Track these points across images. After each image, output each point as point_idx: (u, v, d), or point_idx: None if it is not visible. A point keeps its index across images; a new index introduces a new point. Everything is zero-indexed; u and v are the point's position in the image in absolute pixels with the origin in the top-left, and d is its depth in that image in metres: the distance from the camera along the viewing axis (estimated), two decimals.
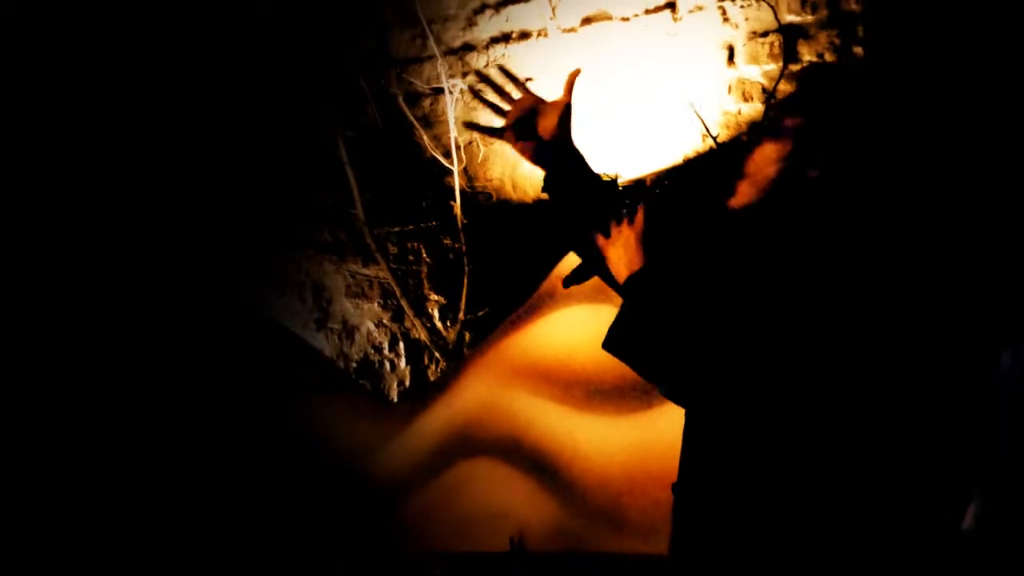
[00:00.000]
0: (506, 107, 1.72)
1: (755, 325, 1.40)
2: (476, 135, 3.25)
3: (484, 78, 1.75)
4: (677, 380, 1.46)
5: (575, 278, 1.69)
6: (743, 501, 1.42)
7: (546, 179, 1.74)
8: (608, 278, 1.65)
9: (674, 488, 1.55)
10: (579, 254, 1.71)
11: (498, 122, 1.78)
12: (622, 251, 1.56)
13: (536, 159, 1.72)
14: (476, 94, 1.80)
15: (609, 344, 1.52)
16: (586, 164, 1.72)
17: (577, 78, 1.72)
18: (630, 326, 1.50)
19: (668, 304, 1.47)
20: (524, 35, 3.20)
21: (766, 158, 1.53)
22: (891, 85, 1.76)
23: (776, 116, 1.61)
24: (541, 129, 1.68)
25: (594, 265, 1.66)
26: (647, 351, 1.48)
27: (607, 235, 1.59)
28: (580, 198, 2.83)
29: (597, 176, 1.76)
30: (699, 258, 1.62)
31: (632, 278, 1.51)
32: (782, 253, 1.48)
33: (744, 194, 1.55)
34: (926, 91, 2.68)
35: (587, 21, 3.07)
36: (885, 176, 1.59)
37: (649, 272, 1.51)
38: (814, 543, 1.38)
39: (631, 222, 1.56)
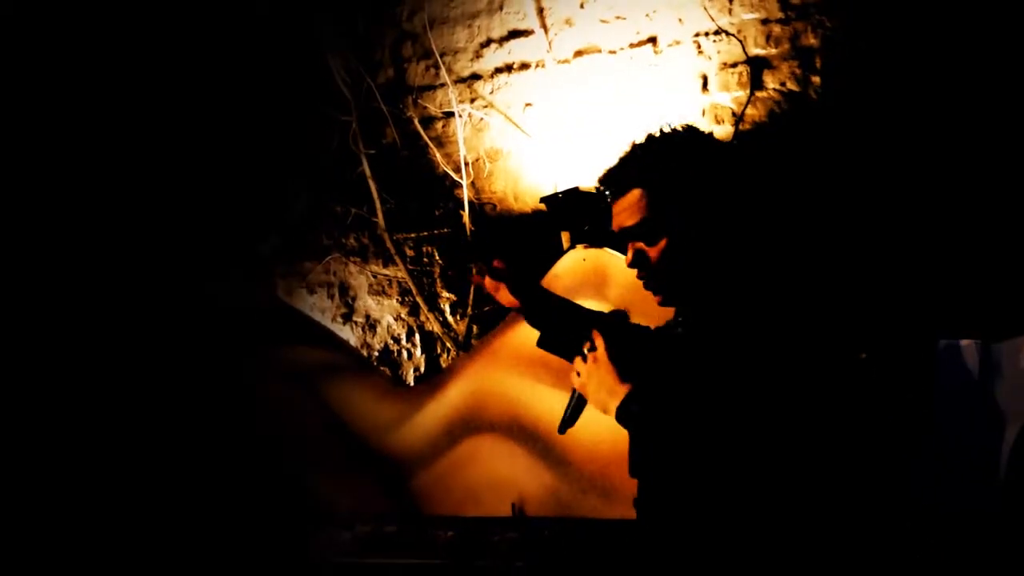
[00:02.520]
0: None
1: (729, 394, 1.36)
2: (483, 153, 3.34)
3: (484, 269, 1.82)
4: (694, 465, 1.40)
5: (569, 422, 1.60)
6: (703, 502, 1.40)
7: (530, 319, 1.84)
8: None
9: (636, 504, 1.54)
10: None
11: None
12: (600, 388, 1.48)
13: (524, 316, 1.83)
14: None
15: (633, 472, 1.49)
16: (554, 301, 1.82)
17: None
18: (640, 450, 1.47)
19: (660, 417, 1.42)
20: (524, 66, 3.28)
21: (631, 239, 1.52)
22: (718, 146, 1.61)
23: (609, 205, 1.55)
24: (505, 301, 1.81)
25: (580, 405, 1.59)
26: (663, 463, 1.44)
27: (579, 374, 1.52)
28: (573, 211, 2.84)
29: (564, 303, 1.83)
30: (661, 361, 1.57)
31: (620, 410, 1.44)
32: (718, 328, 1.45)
33: (668, 295, 1.53)
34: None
35: (579, 53, 3.16)
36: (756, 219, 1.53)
37: (632, 398, 1.44)
38: (770, 528, 1.36)
39: (596, 360, 1.49)
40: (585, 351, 1.51)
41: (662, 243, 1.48)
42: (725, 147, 2.10)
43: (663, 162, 1.49)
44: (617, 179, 1.52)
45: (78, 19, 3.68)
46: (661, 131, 1.53)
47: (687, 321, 1.54)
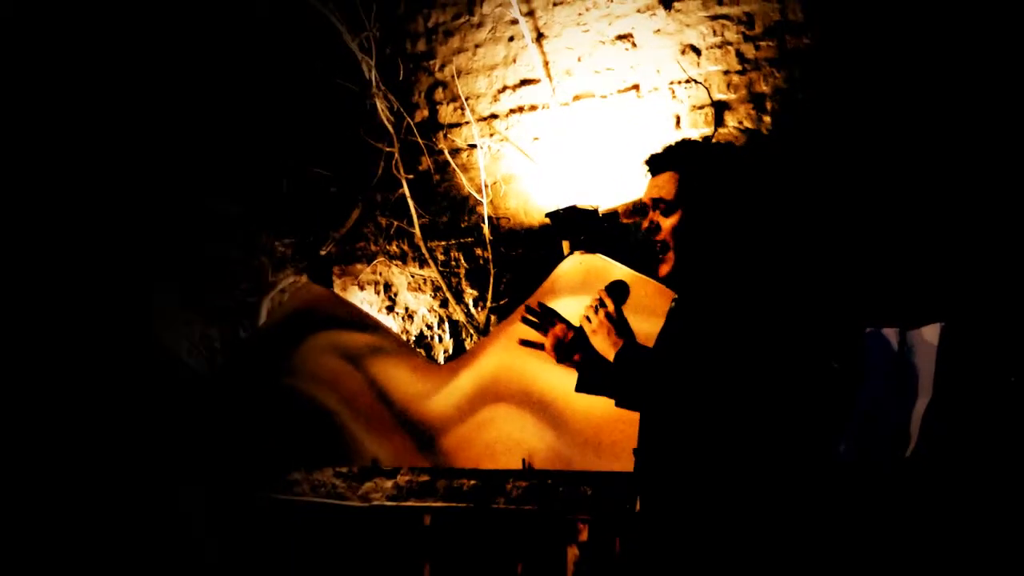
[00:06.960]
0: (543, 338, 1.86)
1: (701, 358, 1.54)
2: (499, 178, 3.52)
3: (531, 312, 1.84)
4: (661, 404, 1.61)
5: (584, 386, 1.80)
6: (687, 463, 1.58)
7: (580, 379, 1.85)
8: (602, 358, 1.77)
9: (635, 452, 1.73)
10: (581, 372, 1.81)
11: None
12: (605, 340, 1.66)
13: (574, 365, 1.84)
14: (527, 321, 1.85)
15: (601, 394, 1.73)
16: (606, 366, 1.74)
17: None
18: (625, 387, 1.68)
19: (646, 365, 1.61)
20: (533, 107, 3.50)
21: (671, 229, 1.66)
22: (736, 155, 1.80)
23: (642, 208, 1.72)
24: (572, 355, 1.83)
25: (591, 367, 1.76)
26: (640, 395, 1.66)
27: (589, 320, 1.71)
28: (572, 224, 3.08)
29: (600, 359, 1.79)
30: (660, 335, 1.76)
31: (618, 355, 1.64)
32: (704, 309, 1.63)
33: (669, 262, 1.69)
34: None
35: (577, 97, 3.37)
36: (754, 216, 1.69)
37: (625, 350, 1.64)
38: (731, 488, 1.54)
39: (606, 316, 1.68)
40: (596, 306, 1.71)
41: (675, 217, 1.66)
42: (745, 160, 2.27)
43: (697, 157, 1.72)
44: (659, 162, 1.72)
45: (165, 60, 3.94)
46: (702, 137, 1.72)
47: (680, 299, 1.72)
